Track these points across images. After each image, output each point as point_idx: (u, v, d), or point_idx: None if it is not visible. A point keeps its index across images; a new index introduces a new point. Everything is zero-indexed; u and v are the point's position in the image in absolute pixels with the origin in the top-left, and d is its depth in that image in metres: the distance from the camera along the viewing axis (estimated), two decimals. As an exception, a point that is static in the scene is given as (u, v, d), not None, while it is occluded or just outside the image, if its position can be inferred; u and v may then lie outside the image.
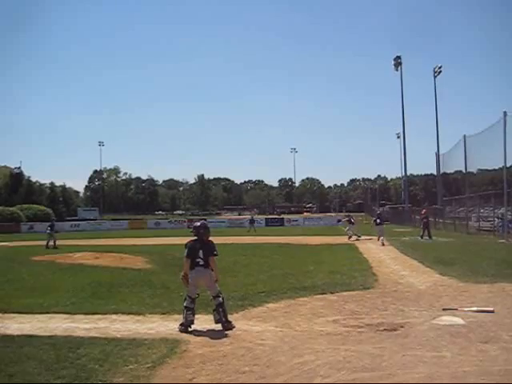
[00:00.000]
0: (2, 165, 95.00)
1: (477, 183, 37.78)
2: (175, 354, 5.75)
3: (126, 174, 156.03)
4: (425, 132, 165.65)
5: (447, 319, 7.27)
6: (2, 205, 63.48)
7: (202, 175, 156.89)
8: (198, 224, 7.51)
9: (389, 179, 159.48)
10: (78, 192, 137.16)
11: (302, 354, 5.63)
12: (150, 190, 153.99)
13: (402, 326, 6.91)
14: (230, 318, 7.09)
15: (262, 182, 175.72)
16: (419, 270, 13.07)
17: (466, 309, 7.87)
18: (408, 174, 70.27)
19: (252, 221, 45.02)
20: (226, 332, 6.72)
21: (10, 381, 4.99)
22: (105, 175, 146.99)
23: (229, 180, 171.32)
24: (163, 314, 8.08)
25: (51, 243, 24.98)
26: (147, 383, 4.87)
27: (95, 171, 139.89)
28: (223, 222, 61.92)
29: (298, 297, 9.40)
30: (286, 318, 7.60)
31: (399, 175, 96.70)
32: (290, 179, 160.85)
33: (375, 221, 25.42)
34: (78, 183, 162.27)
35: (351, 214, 35.78)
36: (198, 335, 6.62)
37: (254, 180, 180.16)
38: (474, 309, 7.82)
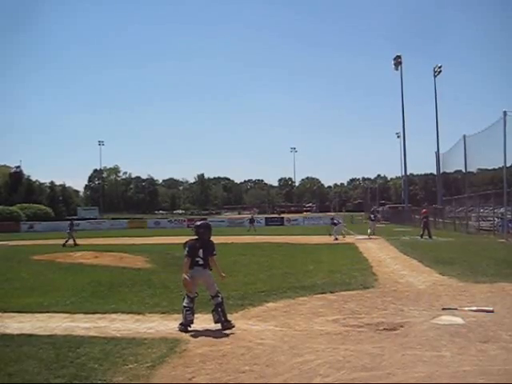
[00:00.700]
0: (2, 164, 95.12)
1: (477, 183, 37.81)
2: (175, 353, 5.74)
3: (125, 173, 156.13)
4: (425, 131, 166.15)
5: (447, 319, 7.27)
6: (1, 204, 63.60)
7: (202, 174, 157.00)
8: (199, 223, 7.51)
9: (389, 179, 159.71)
10: (77, 191, 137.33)
11: (301, 354, 5.63)
12: (149, 189, 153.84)
13: (401, 326, 6.91)
14: (229, 317, 7.08)
15: (262, 181, 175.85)
16: (419, 270, 13.06)
17: (465, 308, 7.88)
18: (408, 173, 70.40)
19: (252, 220, 45.03)
20: (226, 331, 6.72)
21: (10, 380, 4.98)
22: (105, 174, 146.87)
23: (229, 179, 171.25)
24: (163, 313, 8.08)
25: (70, 242, 25.34)
26: (147, 383, 4.87)
27: (95, 170, 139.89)
28: (223, 221, 61.91)
29: (298, 296, 9.39)
30: (285, 318, 7.60)
31: (399, 175, 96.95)
32: (290, 179, 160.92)
33: (370, 217, 28.88)
34: (78, 182, 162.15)
35: (352, 213, 36.51)
36: (198, 334, 6.62)
37: (253, 179, 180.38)
38: (474, 308, 7.82)
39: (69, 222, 28.60)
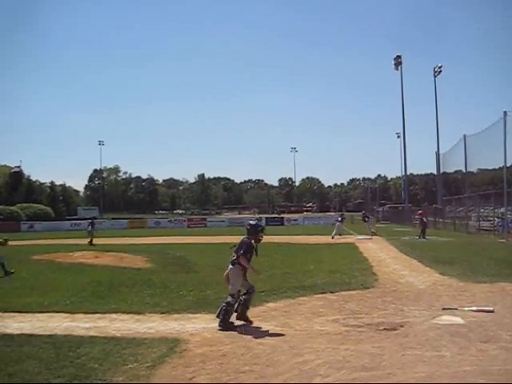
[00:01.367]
0: (2, 164, 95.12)
1: (477, 183, 37.84)
2: (175, 353, 5.75)
3: (125, 173, 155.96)
4: (425, 131, 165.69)
5: (447, 319, 7.27)
6: (2, 204, 63.51)
7: (202, 174, 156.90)
8: (250, 222, 7.72)
9: (389, 179, 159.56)
10: (78, 191, 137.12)
11: (301, 354, 5.63)
12: (149, 189, 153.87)
13: (401, 326, 6.91)
14: (233, 317, 7.09)
15: (262, 181, 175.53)
16: (419, 270, 13.07)
17: (465, 308, 7.88)
18: (408, 173, 70.29)
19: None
20: (226, 331, 6.72)
21: (10, 380, 4.99)
22: (105, 174, 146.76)
23: (229, 179, 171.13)
24: (163, 313, 8.09)
25: (96, 241, 25.49)
26: (147, 383, 4.87)
27: (95, 170, 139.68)
28: (223, 221, 61.99)
29: (298, 296, 9.40)
30: (285, 318, 7.61)
31: (399, 175, 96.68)
32: (290, 178, 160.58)
33: (363, 218, 31.62)
34: (78, 182, 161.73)
35: (352, 213, 38.03)
36: (198, 334, 6.62)
37: (254, 179, 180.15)
38: (474, 308, 7.82)
39: (89, 220, 28.54)
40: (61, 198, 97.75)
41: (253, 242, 7.31)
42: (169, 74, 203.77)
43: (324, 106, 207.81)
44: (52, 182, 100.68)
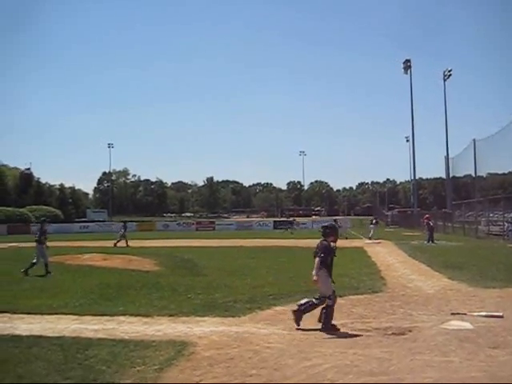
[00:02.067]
0: (12, 166, 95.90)
1: (486, 187, 37.58)
2: (183, 356, 5.75)
3: (134, 176, 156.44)
4: (434, 135, 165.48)
5: (456, 324, 7.23)
6: (11, 206, 64.04)
7: (211, 178, 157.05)
8: (325, 224, 7.94)
9: (398, 183, 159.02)
10: (87, 194, 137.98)
11: (309, 358, 5.61)
12: (158, 192, 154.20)
13: (410, 330, 6.88)
14: (237, 320, 7.08)
15: (271, 184, 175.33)
16: (428, 274, 13.00)
17: (474, 313, 7.83)
18: (417, 177, 70.20)
19: (291, 222, 44.69)
20: (235, 335, 6.71)
21: (19, 381, 5.02)
22: (114, 177, 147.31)
23: (237, 183, 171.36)
24: (171, 316, 8.10)
25: (121, 244, 25.73)
26: (154, 385, 4.88)
27: (104, 173, 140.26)
28: (231, 224, 62.07)
29: (306, 300, 9.37)
30: (293, 322, 7.58)
31: (408, 179, 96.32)
32: (299, 182, 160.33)
33: (371, 222, 31.95)
34: (87, 185, 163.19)
35: (361, 217, 38.35)
36: (206, 337, 6.63)
37: (262, 183, 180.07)
38: (483, 314, 7.77)
39: (122, 223, 28.81)
40: (70, 200, 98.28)
41: (331, 243, 7.35)
42: (180, 77, 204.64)
43: (333, 110, 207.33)
44: (61, 185, 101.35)
